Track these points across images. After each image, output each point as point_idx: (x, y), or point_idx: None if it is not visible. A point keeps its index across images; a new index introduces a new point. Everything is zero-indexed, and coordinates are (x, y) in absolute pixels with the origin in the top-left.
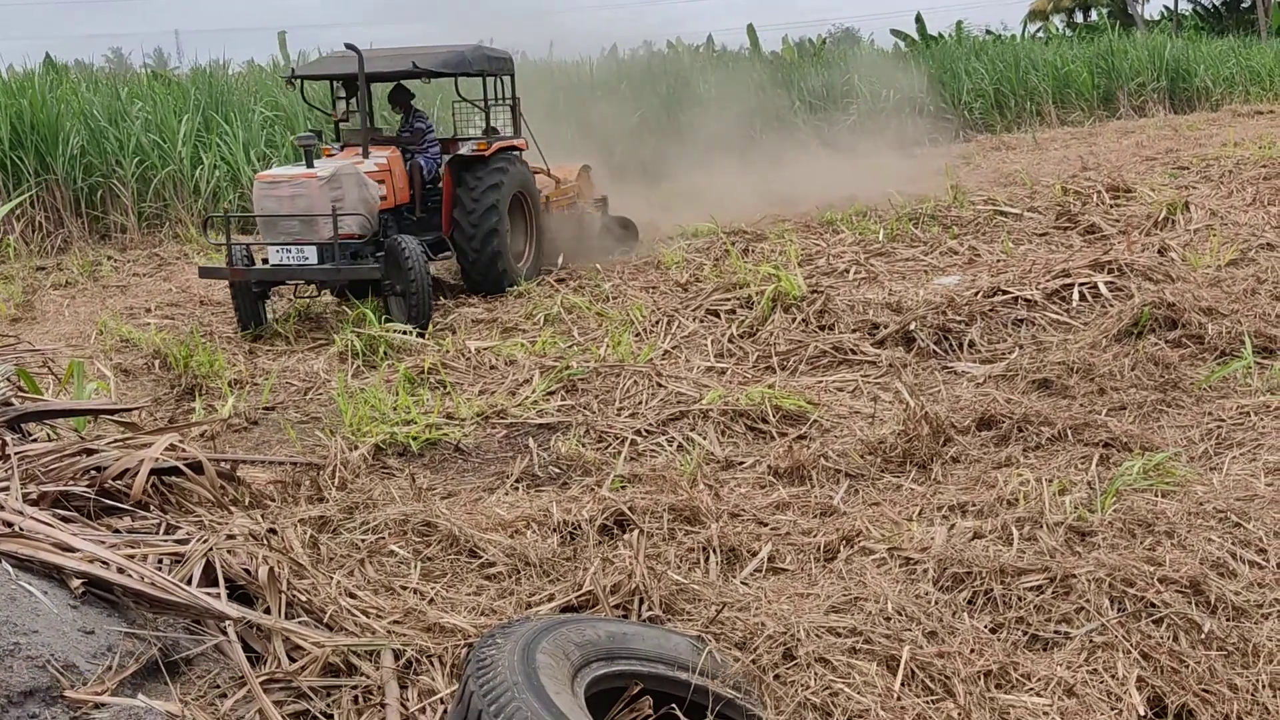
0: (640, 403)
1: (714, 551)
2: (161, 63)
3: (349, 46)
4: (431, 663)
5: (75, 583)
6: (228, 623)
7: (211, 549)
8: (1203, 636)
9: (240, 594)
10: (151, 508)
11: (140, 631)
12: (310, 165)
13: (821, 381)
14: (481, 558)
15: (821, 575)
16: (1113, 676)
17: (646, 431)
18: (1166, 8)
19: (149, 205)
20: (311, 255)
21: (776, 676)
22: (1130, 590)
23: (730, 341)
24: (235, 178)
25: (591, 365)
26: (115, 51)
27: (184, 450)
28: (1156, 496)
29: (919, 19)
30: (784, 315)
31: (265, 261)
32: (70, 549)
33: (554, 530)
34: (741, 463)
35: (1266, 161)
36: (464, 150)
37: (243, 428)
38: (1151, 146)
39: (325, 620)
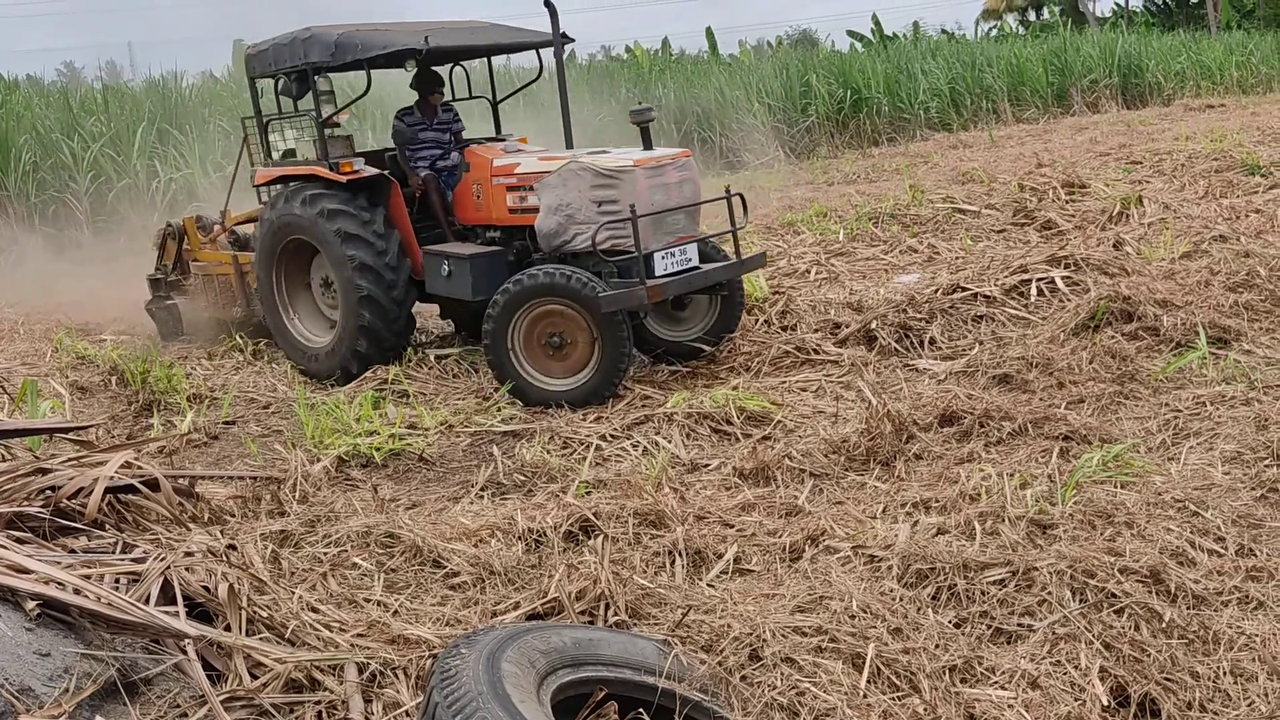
0: (605, 407)
1: (680, 554)
2: (115, 75)
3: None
4: (396, 675)
5: (30, 605)
6: (187, 641)
7: (169, 567)
8: (1164, 625)
9: (200, 612)
10: (108, 526)
11: (98, 653)
12: (650, 147)
13: (785, 382)
14: (446, 568)
15: (787, 575)
16: (1076, 667)
17: (611, 436)
18: (1118, 4)
19: (104, 219)
20: (694, 255)
21: (743, 677)
22: (1091, 581)
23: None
24: (191, 190)
25: None
26: (68, 65)
27: (140, 467)
28: (1116, 488)
29: (875, 20)
30: (747, 316)
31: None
32: (25, 570)
33: (519, 538)
34: (706, 465)
35: (1218, 155)
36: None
37: (202, 443)
38: (1105, 142)
39: (287, 636)
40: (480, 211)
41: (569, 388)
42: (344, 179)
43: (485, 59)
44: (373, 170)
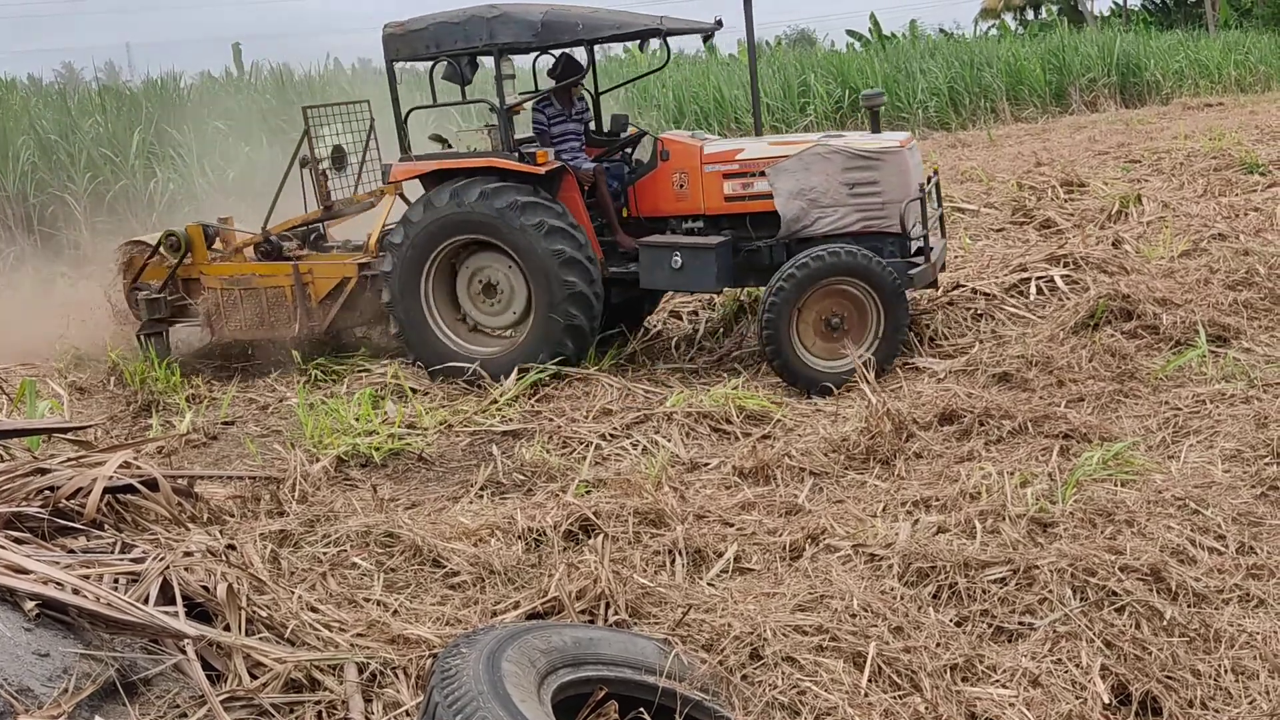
0: (606, 406)
1: (680, 553)
2: (113, 76)
3: None
4: (396, 675)
5: (29, 605)
6: (186, 641)
7: (168, 567)
8: (1164, 623)
9: (199, 612)
10: (106, 527)
11: (97, 653)
12: (878, 130)
13: (784, 380)
14: (445, 567)
15: (787, 574)
16: (1077, 665)
17: (611, 435)
18: (1116, 3)
19: (102, 220)
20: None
21: (744, 677)
22: (1092, 579)
23: (694, 343)
24: (190, 190)
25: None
26: (66, 66)
27: (139, 467)
28: (1116, 486)
29: (873, 19)
30: (748, 315)
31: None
32: (23, 570)
33: (519, 537)
34: (706, 464)
35: (1216, 153)
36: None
37: (201, 443)
38: (1104, 141)
39: (287, 635)
40: (683, 201)
41: (845, 369)
42: (542, 170)
43: (588, 49)
44: (560, 161)
